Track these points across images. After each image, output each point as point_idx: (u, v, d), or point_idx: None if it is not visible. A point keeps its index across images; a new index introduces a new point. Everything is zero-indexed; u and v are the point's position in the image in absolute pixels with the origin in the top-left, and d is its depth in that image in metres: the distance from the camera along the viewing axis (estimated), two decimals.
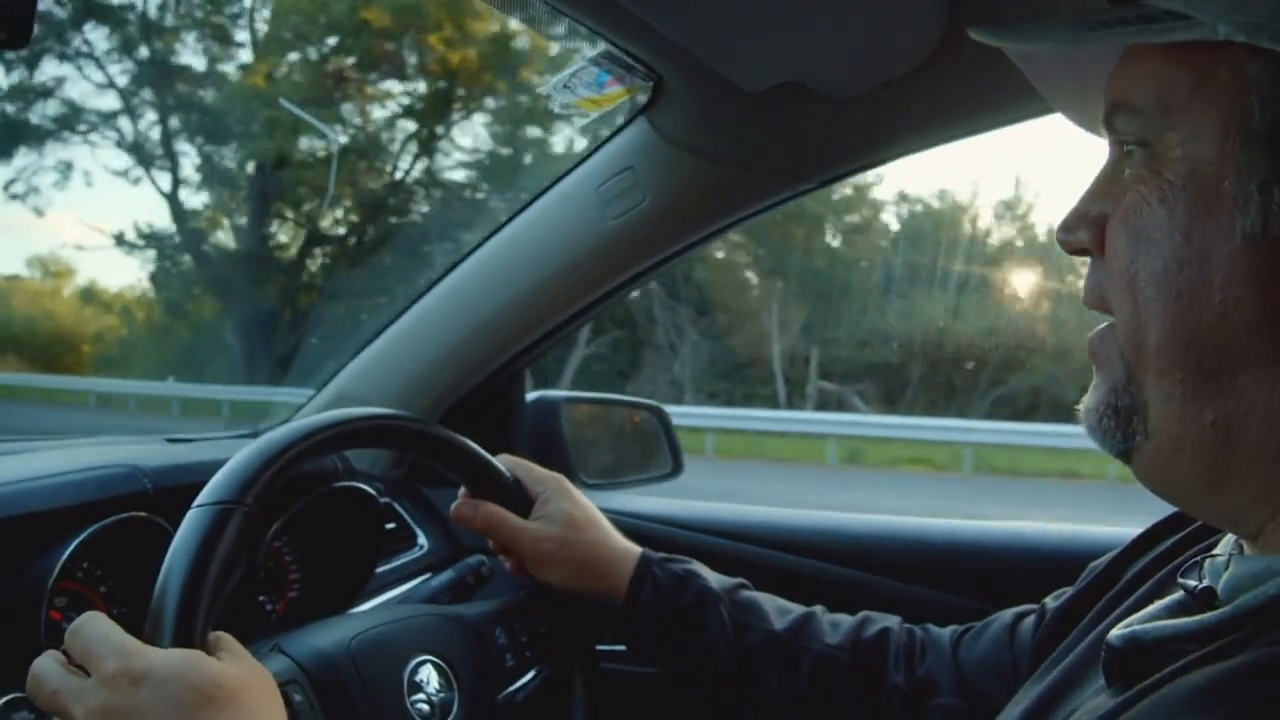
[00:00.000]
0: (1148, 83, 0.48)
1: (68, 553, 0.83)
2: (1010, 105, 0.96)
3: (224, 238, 15.41)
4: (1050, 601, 0.83)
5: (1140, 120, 0.49)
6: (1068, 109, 0.60)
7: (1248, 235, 0.44)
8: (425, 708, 0.87)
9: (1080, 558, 0.80)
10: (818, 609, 0.98)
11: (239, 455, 0.78)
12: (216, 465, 0.79)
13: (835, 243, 14.91)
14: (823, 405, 13.18)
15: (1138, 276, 0.48)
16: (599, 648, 1.32)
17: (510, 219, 1.20)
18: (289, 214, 14.67)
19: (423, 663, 0.89)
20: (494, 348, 1.26)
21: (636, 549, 1.00)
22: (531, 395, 1.44)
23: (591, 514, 1.01)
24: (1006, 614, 0.90)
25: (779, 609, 0.97)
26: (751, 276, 14.71)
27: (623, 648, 1.34)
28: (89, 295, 17.40)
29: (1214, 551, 0.54)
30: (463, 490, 1.02)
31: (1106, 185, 0.53)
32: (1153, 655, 0.48)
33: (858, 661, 0.91)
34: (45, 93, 14.03)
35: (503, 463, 1.02)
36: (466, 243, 1.27)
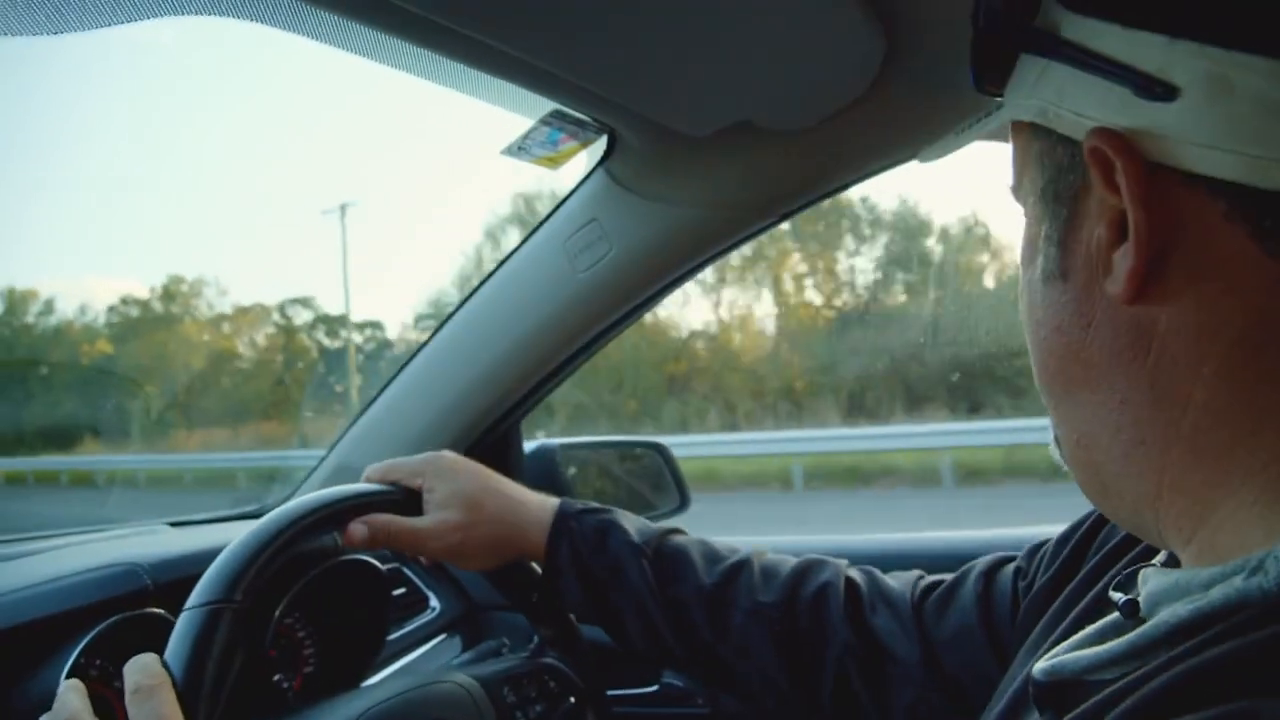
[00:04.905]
0: (1014, 164, 0.55)
1: (71, 659, 0.85)
2: (953, 121, 0.96)
3: None
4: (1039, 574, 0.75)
5: (1016, 195, 0.55)
6: None
7: (1043, 276, 0.50)
8: None
9: None
10: (753, 554, 0.91)
11: (226, 551, 0.79)
12: (216, 553, 0.81)
13: None
14: None
15: (1023, 318, 0.55)
16: (624, 692, 1.33)
17: (485, 280, 1.22)
18: None
19: None
20: (484, 406, 1.28)
21: (552, 502, 0.94)
22: (530, 445, 1.45)
23: (485, 482, 0.93)
24: (972, 581, 0.82)
25: (710, 557, 0.91)
26: None
27: (652, 689, 1.35)
28: None
29: (1152, 561, 0.54)
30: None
31: None
32: (1076, 685, 0.48)
33: (793, 620, 0.86)
34: None
35: (369, 478, 0.95)
36: None
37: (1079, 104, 0.46)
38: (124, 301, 23.46)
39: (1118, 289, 0.45)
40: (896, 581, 0.88)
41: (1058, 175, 0.49)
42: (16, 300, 22.37)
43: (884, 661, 0.83)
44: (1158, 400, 0.45)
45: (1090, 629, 0.53)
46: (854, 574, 0.89)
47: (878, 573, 0.90)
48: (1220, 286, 0.43)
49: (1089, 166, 0.45)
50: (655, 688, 1.34)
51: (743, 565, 0.90)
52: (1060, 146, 0.48)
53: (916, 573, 0.89)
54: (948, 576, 0.86)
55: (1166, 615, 0.43)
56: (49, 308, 23.33)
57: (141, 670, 0.66)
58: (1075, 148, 0.47)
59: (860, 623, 0.85)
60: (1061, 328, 0.50)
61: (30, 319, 22.27)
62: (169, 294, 23.54)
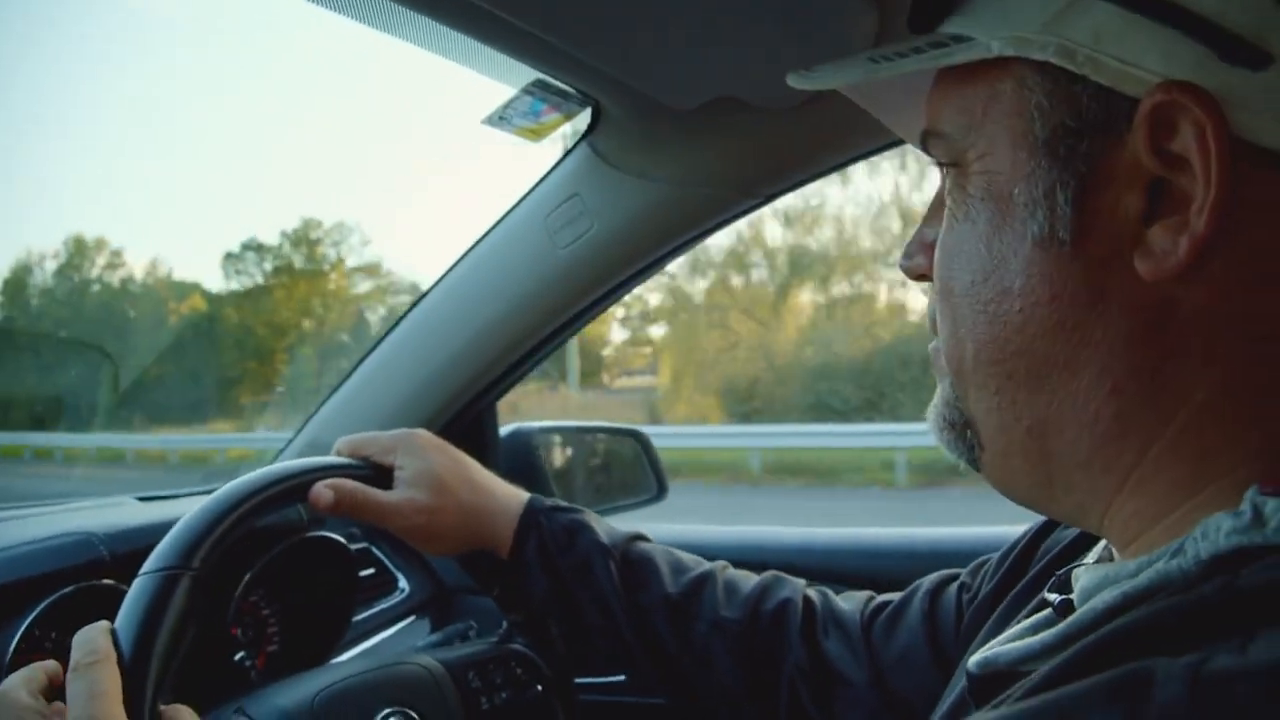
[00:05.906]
0: (950, 107, 0.49)
1: (21, 629, 0.82)
2: None
3: None
4: (984, 585, 0.75)
5: (945, 143, 0.50)
6: (909, 138, 0.61)
7: (1036, 239, 0.45)
8: None
9: None
10: (717, 567, 0.91)
11: (184, 519, 0.77)
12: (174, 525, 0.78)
13: None
14: None
15: (953, 292, 0.49)
16: (591, 680, 1.31)
17: (466, 254, 1.20)
18: None
19: (390, 714, 0.87)
20: (460, 384, 1.25)
21: (522, 496, 0.93)
22: (506, 428, 1.43)
23: (456, 467, 0.91)
24: (918, 600, 0.83)
25: (675, 567, 0.91)
26: None
27: (620, 678, 1.33)
28: None
29: (1085, 560, 0.54)
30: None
31: (936, 209, 0.54)
32: (1009, 677, 0.47)
33: (753, 637, 0.86)
34: None
35: (340, 451, 0.92)
36: None
37: (1130, 53, 0.41)
38: (244, 247, 19.78)
39: (1150, 266, 0.41)
40: (848, 603, 0.88)
41: (1077, 126, 0.43)
42: (87, 250, 19.21)
43: (834, 684, 0.83)
44: (1156, 392, 0.43)
45: (1025, 623, 0.53)
46: (811, 594, 0.89)
47: (831, 594, 0.91)
48: (1255, 276, 0.41)
49: (1135, 124, 0.41)
50: (622, 677, 1.32)
51: (707, 578, 0.90)
52: (1087, 96, 0.43)
53: (867, 593, 0.90)
54: (896, 596, 0.86)
55: (1095, 602, 0.42)
56: (117, 259, 19.76)
57: (83, 645, 0.64)
58: (1111, 99, 0.42)
59: (813, 644, 0.85)
60: (1059, 299, 0.45)
61: (95, 271, 19.30)
62: (299, 240, 19.74)
